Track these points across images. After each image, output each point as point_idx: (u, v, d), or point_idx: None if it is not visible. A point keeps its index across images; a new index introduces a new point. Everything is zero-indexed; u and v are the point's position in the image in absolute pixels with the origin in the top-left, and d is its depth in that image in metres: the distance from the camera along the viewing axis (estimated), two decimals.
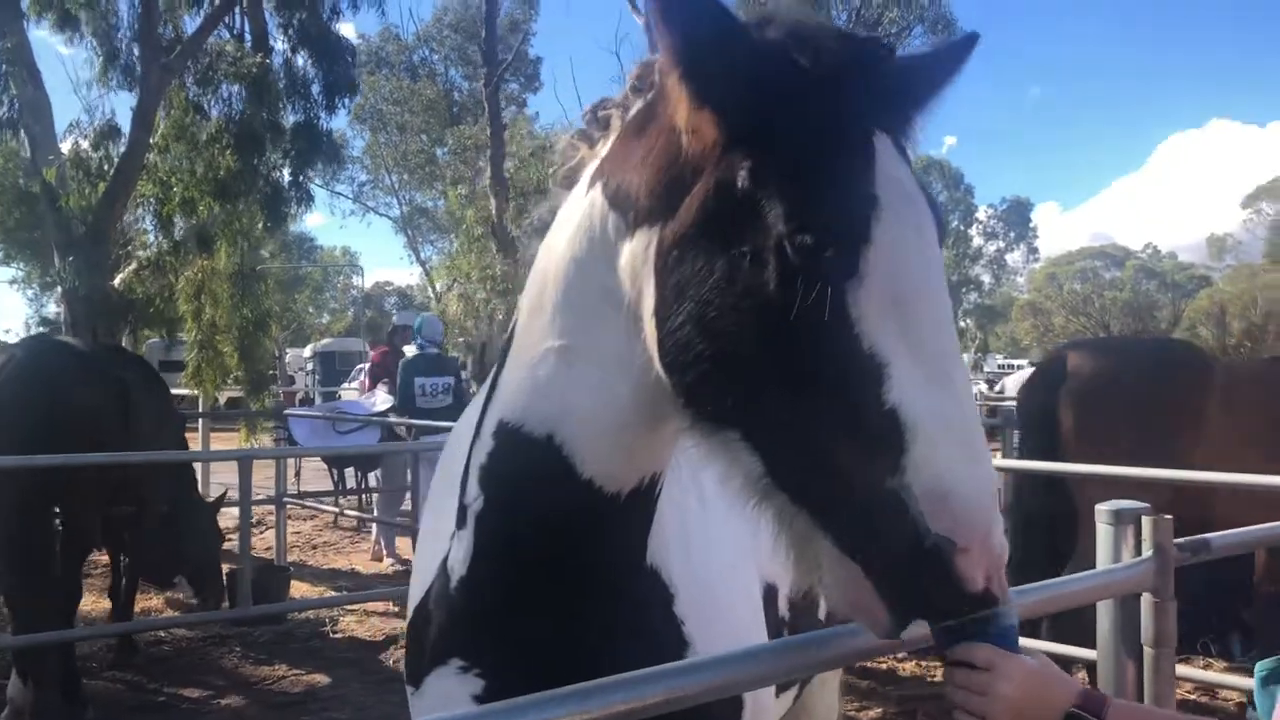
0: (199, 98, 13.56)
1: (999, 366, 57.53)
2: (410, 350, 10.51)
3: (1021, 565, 5.80)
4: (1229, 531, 2.61)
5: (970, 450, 1.31)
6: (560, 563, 1.69)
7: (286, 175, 14.26)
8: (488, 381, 1.91)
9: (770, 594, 2.15)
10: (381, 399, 10.90)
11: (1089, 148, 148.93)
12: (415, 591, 2.02)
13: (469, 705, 1.78)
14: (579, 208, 1.70)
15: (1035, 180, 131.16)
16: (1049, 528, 5.59)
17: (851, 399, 1.33)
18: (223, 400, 19.87)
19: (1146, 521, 2.26)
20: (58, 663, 6.01)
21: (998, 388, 25.50)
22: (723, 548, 2.01)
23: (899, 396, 1.31)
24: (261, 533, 11.40)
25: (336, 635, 8.05)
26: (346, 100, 14.48)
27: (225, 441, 20.00)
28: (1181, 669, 2.36)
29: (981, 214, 54.98)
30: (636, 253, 1.54)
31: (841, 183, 1.37)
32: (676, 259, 1.46)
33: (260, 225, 14.31)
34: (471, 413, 2.08)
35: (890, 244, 1.36)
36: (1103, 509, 2.33)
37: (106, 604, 7.86)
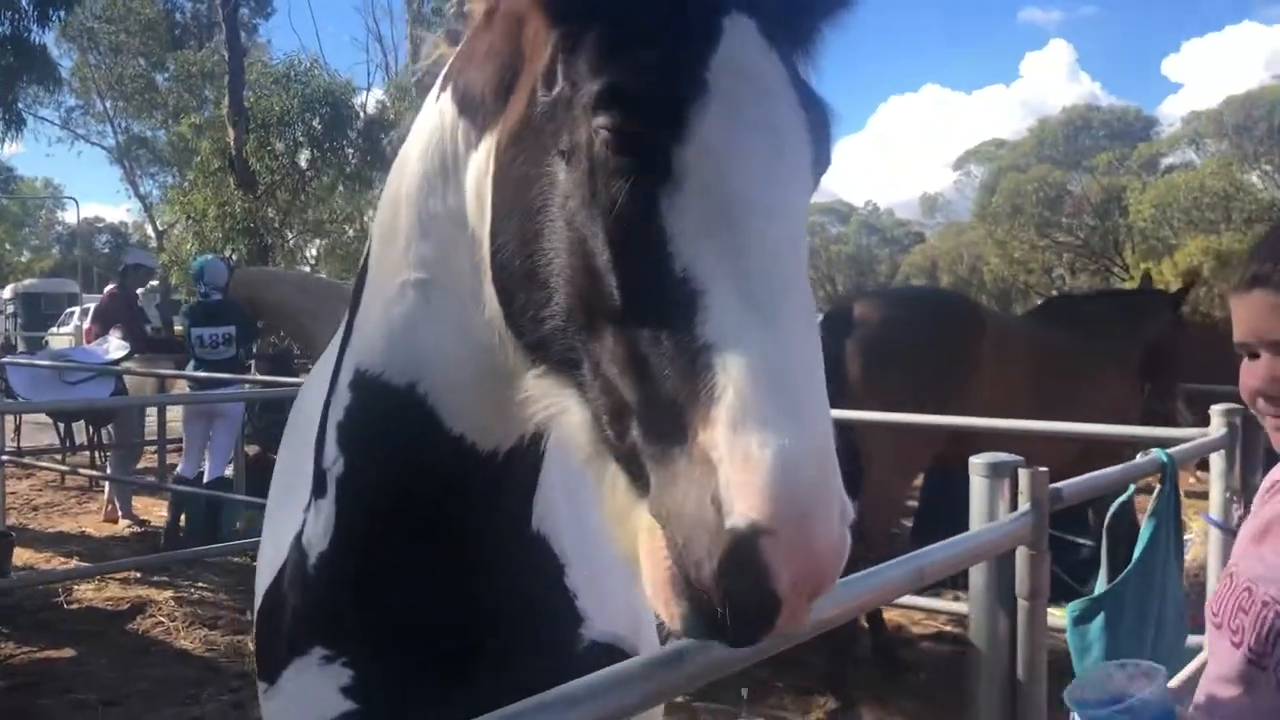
0: None
1: None
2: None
3: None
4: (1075, 480, 2.68)
5: (792, 403, 1.05)
6: (435, 532, 1.48)
7: None
8: (342, 324, 1.65)
9: None
10: (115, 346, 9.95)
11: None
12: (264, 574, 1.76)
13: (336, 700, 1.55)
14: (430, 116, 1.49)
15: None
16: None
17: (661, 334, 1.12)
18: None
19: (1024, 474, 2.26)
20: None
21: None
22: None
23: (712, 333, 1.08)
24: None
25: (72, 605, 7.31)
26: (61, 13, 12.94)
27: None
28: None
29: None
30: (479, 163, 1.35)
31: (662, 64, 1.16)
32: (508, 165, 1.28)
33: None
34: (326, 361, 1.81)
35: (718, 143, 1.14)
36: (978, 462, 2.32)
37: None
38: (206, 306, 9.48)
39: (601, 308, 1.17)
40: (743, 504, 1.01)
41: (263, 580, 1.76)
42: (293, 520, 1.66)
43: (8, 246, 62.80)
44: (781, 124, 1.20)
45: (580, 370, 1.21)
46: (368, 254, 1.60)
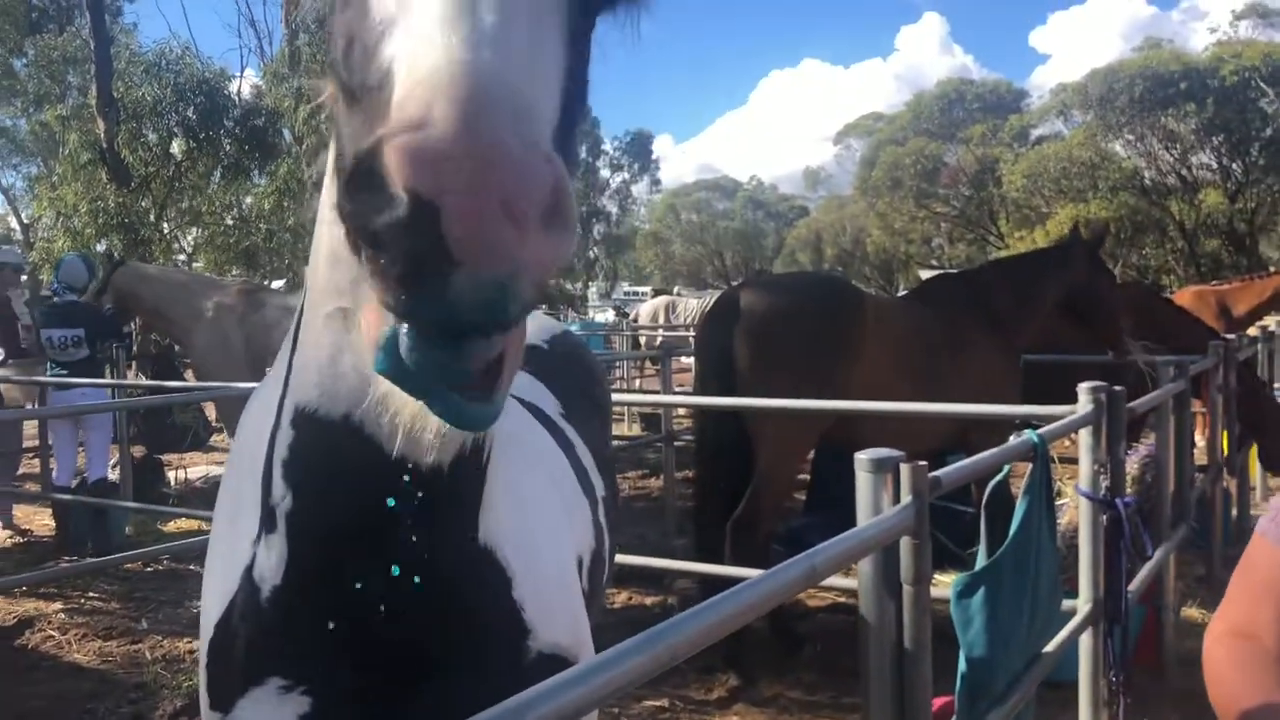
0: None
1: (624, 294, 60.08)
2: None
3: (709, 489, 6.18)
4: (952, 468, 2.84)
5: (436, 29, 0.96)
6: (387, 556, 1.51)
7: None
8: (284, 352, 1.66)
9: (579, 566, 2.08)
10: None
11: (699, 83, 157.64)
12: (212, 606, 1.76)
13: None
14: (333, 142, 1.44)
15: (648, 114, 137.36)
16: (733, 456, 5.93)
17: (370, 75, 1.05)
18: None
19: (905, 469, 2.40)
20: None
21: (632, 316, 26.57)
22: (547, 516, 1.89)
23: (389, 49, 1.02)
24: None
25: None
26: None
27: None
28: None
29: (607, 146, 56.62)
30: None
31: None
32: None
33: None
34: (268, 392, 1.81)
35: None
36: (862, 458, 2.45)
37: None
38: (58, 309, 9.26)
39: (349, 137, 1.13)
40: (381, 128, 0.92)
41: (211, 612, 1.75)
42: (241, 552, 1.66)
43: None
44: None
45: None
46: (304, 286, 1.60)
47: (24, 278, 13.87)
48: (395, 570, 1.51)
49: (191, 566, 7.85)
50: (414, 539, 1.50)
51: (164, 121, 17.82)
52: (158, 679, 5.88)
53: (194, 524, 8.65)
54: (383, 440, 1.43)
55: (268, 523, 1.59)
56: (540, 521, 1.84)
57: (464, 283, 0.90)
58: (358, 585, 1.52)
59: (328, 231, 1.45)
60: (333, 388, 1.47)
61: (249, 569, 1.63)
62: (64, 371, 9.02)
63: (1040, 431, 3.42)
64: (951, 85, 52.19)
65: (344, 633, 1.54)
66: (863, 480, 2.45)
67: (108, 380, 8.62)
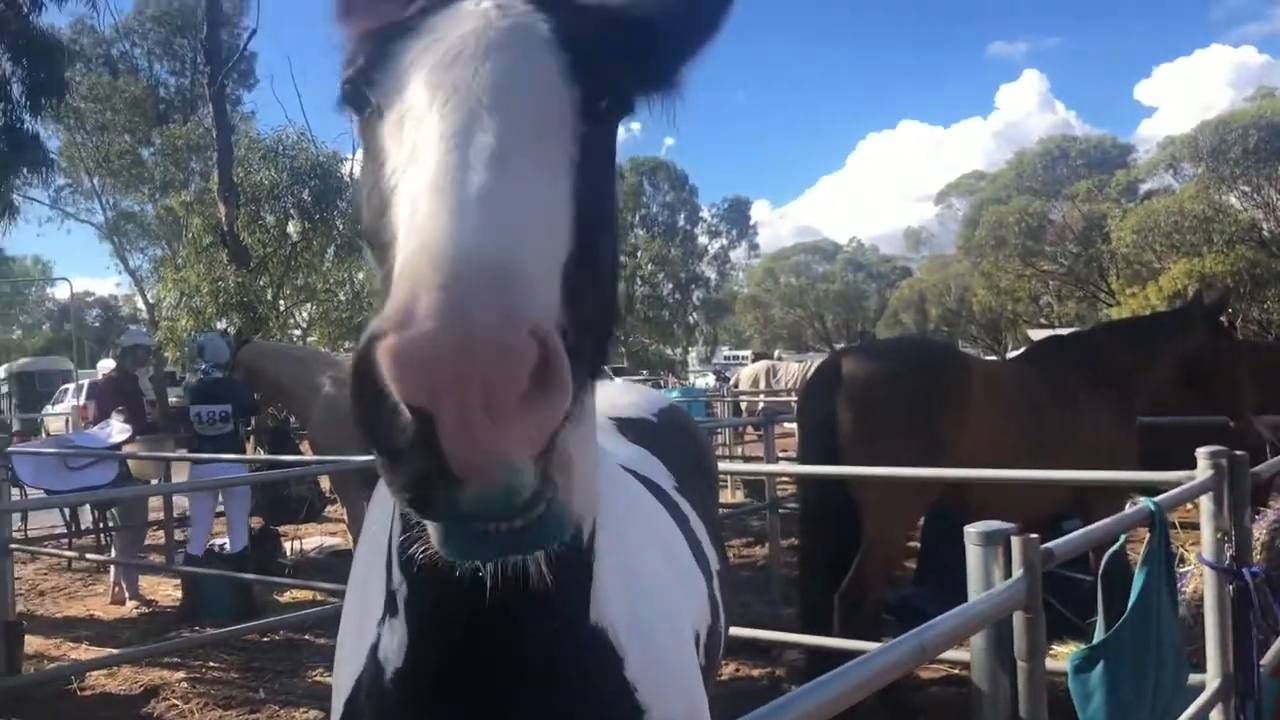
0: None
1: (724, 358, 60.02)
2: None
3: (815, 557, 6.11)
4: (1066, 539, 2.78)
5: (437, 209, 1.04)
6: (502, 642, 1.54)
7: None
8: None
9: (696, 641, 2.09)
10: (117, 429, 10.01)
11: (795, 149, 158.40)
12: (343, 682, 1.82)
13: None
14: None
15: (746, 180, 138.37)
16: (839, 524, 5.86)
17: (383, 245, 1.19)
18: None
19: (1016, 542, 2.37)
20: None
21: (733, 380, 26.52)
22: (662, 593, 1.89)
23: (395, 213, 1.16)
24: None
25: (85, 692, 7.32)
26: (54, 101, 13.17)
27: None
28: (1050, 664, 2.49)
29: (705, 213, 57.12)
30: None
31: (386, 17, 1.35)
32: None
33: None
34: None
35: (414, 63, 1.27)
36: (972, 531, 2.42)
37: None
38: (205, 384, 9.66)
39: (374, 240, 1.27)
40: (375, 324, 0.97)
41: (342, 688, 1.81)
42: (369, 630, 1.71)
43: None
44: (480, 33, 1.27)
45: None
46: None
47: (151, 359, 14.54)
48: (510, 654, 1.54)
49: (306, 636, 8.03)
50: (526, 621, 1.53)
51: (281, 204, 18.64)
52: None
53: (309, 594, 8.86)
54: None
55: (390, 606, 1.65)
56: (655, 599, 1.85)
57: (471, 498, 0.97)
58: (473, 670, 1.56)
59: None
60: None
61: (374, 648, 1.69)
62: (207, 446, 9.35)
63: (1157, 499, 3.32)
64: (1054, 142, 51.49)
65: (463, 716, 1.57)
66: (973, 554, 2.42)
67: (231, 456, 8.93)
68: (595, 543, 1.60)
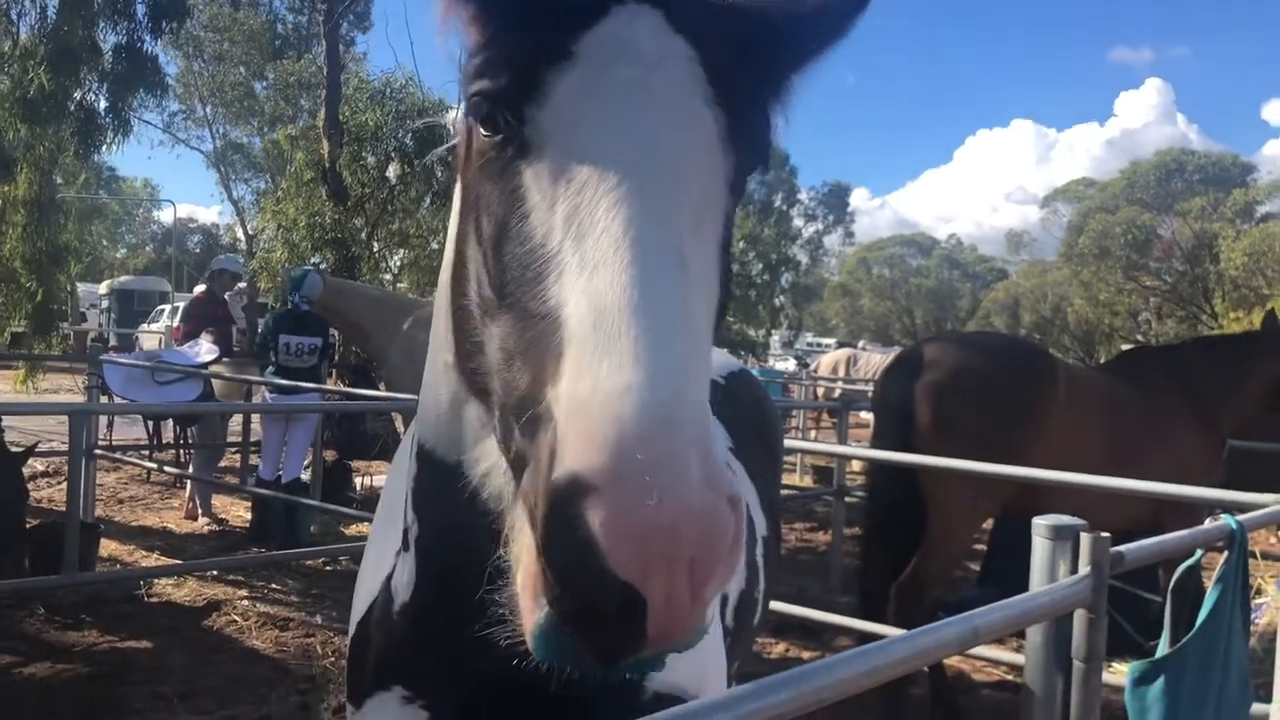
0: (6, 5, 12.36)
1: (807, 344, 59.55)
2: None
3: (877, 547, 6.02)
4: (1138, 544, 2.68)
5: (630, 344, 0.96)
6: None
7: (103, 101, 13.18)
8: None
9: (723, 602, 2.05)
10: (206, 349, 10.29)
11: (900, 138, 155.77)
12: (359, 604, 1.86)
13: None
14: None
15: (847, 165, 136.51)
16: (905, 516, 5.76)
17: (527, 311, 1.09)
18: (4, 336, 18.39)
19: (1085, 538, 2.29)
20: None
21: (813, 366, 26.27)
22: None
23: (558, 295, 1.05)
24: (59, 483, 10.66)
25: (152, 599, 7.56)
26: (175, 24, 13.47)
27: (3, 380, 18.58)
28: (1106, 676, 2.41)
29: (803, 196, 56.52)
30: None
31: (532, 35, 1.17)
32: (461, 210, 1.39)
33: (70, 153, 13.18)
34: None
35: (571, 104, 1.13)
36: (1041, 524, 2.35)
37: None
38: (297, 315, 9.82)
39: (489, 298, 1.19)
40: (569, 454, 0.92)
41: (358, 609, 1.85)
42: (386, 559, 1.74)
43: (104, 243, 64.83)
44: (652, 79, 1.15)
45: (490, 398, 1.22)
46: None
47: (243, 284, 14.87)
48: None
49: None
50: None
51: (383, 145, 18.84)
52: (325, 673, 6.14)
53: None
54: (490, 497, 1.45)
55: (404, 542, 1.67)
56: None
57: (655, 654, 0.96)
58: (473, 612, 1.55)
59: (444, 283, 1.50)
60: (449, 433, 1.52)
61: (389, 577, 1.71)
62: (291, 377, 9.47)
63: (1240, 518, 3.19)
64: (1171, 155, 49.79)
65: (461, 658, 1.58)
66: (1039, 546, 2.35)
67: (311, 385, 9.11)
68: None
